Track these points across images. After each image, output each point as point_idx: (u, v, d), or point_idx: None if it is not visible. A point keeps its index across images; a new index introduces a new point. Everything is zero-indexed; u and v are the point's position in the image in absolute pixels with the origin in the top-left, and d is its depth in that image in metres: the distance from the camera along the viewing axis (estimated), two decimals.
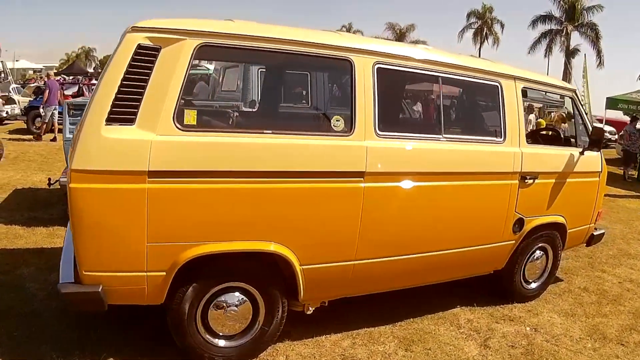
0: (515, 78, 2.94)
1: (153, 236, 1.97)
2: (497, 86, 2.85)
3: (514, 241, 3.05)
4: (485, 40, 33.62)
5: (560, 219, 3.26)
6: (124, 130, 1.91)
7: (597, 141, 3.24)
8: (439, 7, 77.06)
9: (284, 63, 2.93)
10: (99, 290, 1.95)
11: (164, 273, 2.03)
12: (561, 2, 26.17)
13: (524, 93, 3.05)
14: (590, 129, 3.34)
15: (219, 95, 6.90)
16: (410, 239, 2.58)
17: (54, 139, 9.44)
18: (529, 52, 27.56)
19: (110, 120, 1.90)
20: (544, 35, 26.94)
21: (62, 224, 4.05)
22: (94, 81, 15.05)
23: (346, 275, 2.43)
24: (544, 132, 4.24)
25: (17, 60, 24.02)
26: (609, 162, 11.23)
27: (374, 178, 2.37)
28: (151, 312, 2.29)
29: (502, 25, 33.72)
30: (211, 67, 10.51)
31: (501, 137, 2.86)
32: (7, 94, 12.15)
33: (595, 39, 25.70)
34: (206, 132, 2.08)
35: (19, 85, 14.19)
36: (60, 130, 8.12)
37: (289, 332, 2.58)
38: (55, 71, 17.59)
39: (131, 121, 1.92)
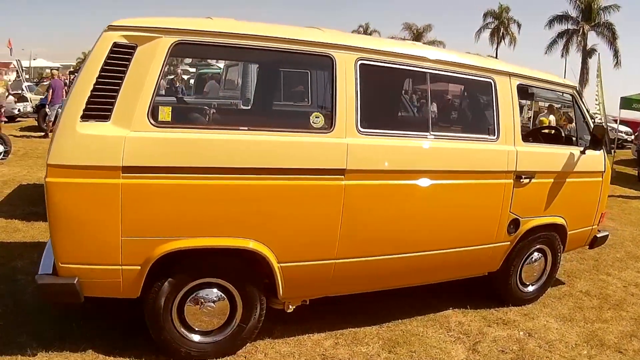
0: (510, 74, 2.82)
1: (127, 230, 1.99)
2: (491, 83, 2.74)
3: (509, 242, 2.94)
4: (502, 41, 33.57)
5: (559, 220, 3.13)
6: (99, 127, 1.94)
7: (598, 140, 3.10)
8: (456, 7, 76.17)
9: (263, 60, 2.90)
10: (75, 282, 1.98)
11: (139, 267, 2.05)
12: (577, 1, 25.88)
13: (525, 91, 2.94)
14: (592, 127, 3.20)
15: (221, 94, 6.92)
16: (395, 238, 2.51)
17: None
18: (546, 52, 27.50)
19: (85, 117, 1.93)
20: (560, 35, 26.84)
21: None
22: None
23: (327, 274, 2.38)
24: (546, 131, 4.09)
25: (34, 59, 24.64)
26: (625, 163, 11.06)
27: (356, 176, 2.31)
28: (134, 306, 2.29)
29: (519, 26, 33.62)
30: (222, 65, 10.58)
31: (494, 135, 2.75)
32: (19, 91, 12.44)
33: (611, 39, 25.40)
34: (180, 128, 2.09)
35: (31, 84, 14.52)
36: None
37: (272, 330, 2.56)
38: (72, 70, 17.96)
39: (106, 118, 1.95)
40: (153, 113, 2.00)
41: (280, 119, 2.90)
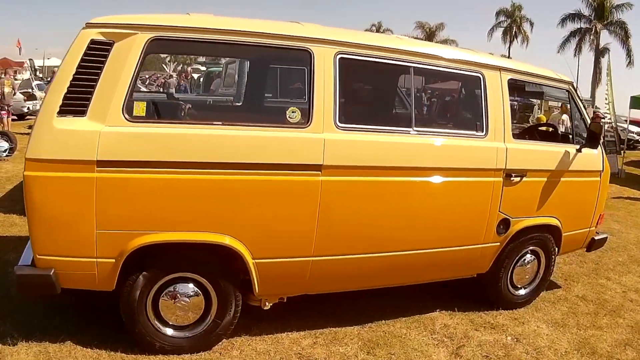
0: (500, 69, 2.72)
1: (101, 223, 2.02)
2: (479, 77, 2.65)
3: (498, 243, 2.84)
4: (515, 39, 33.41)
5: (553, 221, 3.01)
6: (75, 122, 1.98)
7: (594, 138, 2.97)
8: (469, 5, 75.26)
9: (242, 56, 2.86)
10: (50, 273, 2.02)
11: (113, 260, 2.06)
12: (589, 0, 25.53)
13: (518, 86, 2.84)
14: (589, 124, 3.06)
15: (220, 91, 6.90)
16: (376, 237, 2.44)
17: None
18: (559, 51, 27.48)
19: (62, 112, 1.97)
20: (573, 34, 26.74)
21: None
22: None
23: (304, 272, 2.35)
24: (544, 128, 3.95)
25: (48, 59, 25.09)
26: (635, 164, 10.70)
27: (333, 172, 2.27)
28: (116, 300, 2.29)
29: (532, 24, 33.42)
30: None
31: (483, 132, 2.66)
32: (29, 90, 12.65)
33: (624, 38, 25.18)
34: (154, 123, 2.13)
35: (41, 82, 14.77)
36: None
37: (250, 327, 2.54)
38: None
39: (82, 113, 1.98)
40: (128, 108, 2.02)
41: (256, 114, 2.88)
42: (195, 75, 13.36)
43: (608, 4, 25.22)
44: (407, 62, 2.46)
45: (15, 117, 9.75)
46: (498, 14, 33.27)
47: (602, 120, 9.70)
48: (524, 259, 3.07)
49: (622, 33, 25.15)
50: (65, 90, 1.96)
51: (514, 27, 32.96)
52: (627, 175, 9.26)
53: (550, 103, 13.75)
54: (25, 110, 11.89)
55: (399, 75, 2.48)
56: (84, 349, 2.26)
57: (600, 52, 25.64)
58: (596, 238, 3.37)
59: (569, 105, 3.19)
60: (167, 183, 2.06)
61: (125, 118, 2.01)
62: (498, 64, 2.75)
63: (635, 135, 13.32)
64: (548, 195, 2.93)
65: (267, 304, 2.41)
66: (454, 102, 3.03)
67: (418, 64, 2.49)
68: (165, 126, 2.13)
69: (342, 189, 2.30)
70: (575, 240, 3.26)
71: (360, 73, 2.65)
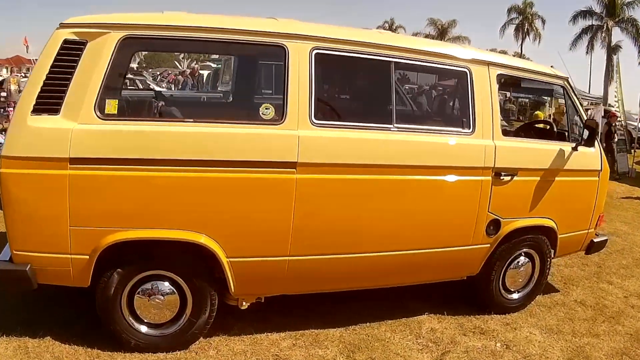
0: (488, 64, 2.62)
1: (75, 220, 2.03)
2: (466, 72, 2.55)
3: (488, 245, 2.73)
4: (527, 36, 33.14)
5: (548, 222, 2.88)
6: (49, 120, 2.00)
7: (591, 135, 2.83)
8: (481, 2, 74.44)
9: (216, 53, 2.83)
10: (27, 269, 2.05)
11: (87, 256, 2.08)
12: None
13: (510, 82, 2.72)
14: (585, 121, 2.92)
15: (218, 89, 6.88)
16: (355, 236, 2.37)
17: None
18: (570, 49, 27.39)
19: (36, 111, 2.00)
20: (584, 31, 26.59)
21: None
22: (129, 76, 15.57)
23: (280, 272, 2.30)
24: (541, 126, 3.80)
25: None
26: None
27: (308, 169, 2.21)
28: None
29: (543, 21, 33.42)
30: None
31: (469, 129, 2.55)
32: None
33: (636, 35, 24.80)
34: (126, 120, 2.14)
35: None
36: None
37: (231, 327, 2.52)
38: None
39: (56, 111, 2.01)
40: (100, 106, 2.04)
41: (230, 110, 2.85)
42: (206, 72, 13.40)
43: (619, 1, 24.97)
44: (388, 57, 2.39)
45: None
46: (509, 10, 33.29)
47: (618, 119, 9.39)
48: (518, 262, 2.95)
49: (634, 30, 24.87)
50: (39, 90, 1.99)
51: (526, 24, 32.82)
52: (637, 175, 8.96)
53: (560, 100, 13.42)
54: None
55: (379, 70, 2.40)
56: (62, 344, 2.27)
57: (612, 50, 25.38)
58: (595, 240, 3.22)
59: (569, 102, 3.05)
60: (139, 180, 2.07)
61: (97, 116, 2.03)
62: (486, 58, 2.64)
63: None
64: (542, 195, 2.80)
65: (244, 303, 2.38)
66: (438, 97, 2.92)
67: (399, 58, 2.42)
68: (137, 123, 2.13)
69: (318, 188, 2.24)
70: (573, 242, 3.12)
71: (338, 68, 2.60)
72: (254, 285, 2.33)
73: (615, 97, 9.48)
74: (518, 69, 2.81)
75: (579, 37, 26.46)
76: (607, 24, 25.36)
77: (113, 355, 2.23)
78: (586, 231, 3.13)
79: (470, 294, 2.98)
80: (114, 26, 2.06)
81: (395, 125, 2.39)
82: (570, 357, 2.57)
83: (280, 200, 2.19)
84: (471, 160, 2.53)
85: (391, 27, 35.48)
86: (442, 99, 2.93)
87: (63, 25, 2.05)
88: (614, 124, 8.71)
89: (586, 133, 2.90)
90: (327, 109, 2.28)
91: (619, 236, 4.87)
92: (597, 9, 25.99)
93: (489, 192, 2.61)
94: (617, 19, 25.30)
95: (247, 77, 3.28)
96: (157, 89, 13.91)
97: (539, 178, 2.77)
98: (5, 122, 9.17)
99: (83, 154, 2.00)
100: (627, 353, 2.65)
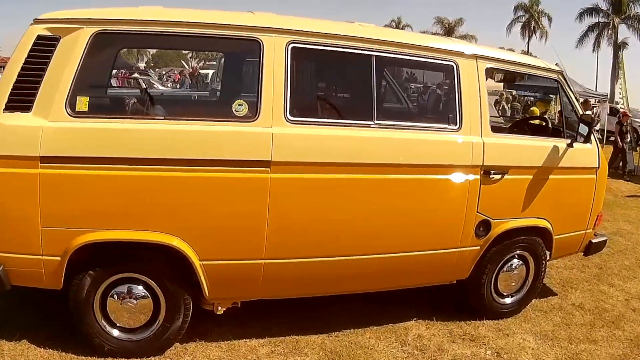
0: (477, 57, 2.49)
1: (46, 220, 1.99)
2: (452, 66, 2.43)
3: (478, 247, 2.60)
4: (534, 34, 33.10)
5: (542, 223, 2.74)
6: (20, 118, 1.96)
7: (586, 131, 2.68)
8: (488, 0, 73.91)
9: (193, 48, 2.74)
10: None
11: (59, 258, 2.03)
12: None
13: (501, 75, 2.59)
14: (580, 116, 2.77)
15: (213, 87, 6.80)
16: (335, 239, 2.26)
17: None
18: (577, 46, 27.69)
19: (8, 108, 1.97)
20: (591, 28, 26.73)
21: None
22: (135, 75, 15.69)
23: (256, 276, 2.21)
24: (536, 122, 3.65)
25: None
26: None
27: (283, 168, 2.11)
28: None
29: (550, 19, 33.54)
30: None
31: (456, 125, 2.42)
32: None
33: None
34: (96, 118, 2.08)
35: None
36: None
37: (208, 332, 2.43)
38: None
39: (28, 109, 1.97)
40: (71, 103, 1.99)
41: (210, 108, 2.77)
42: (211, 72, 13.34)
43: None
44: (368, 50, 2.28)
45: None
46: (516, 8, 33.49)
47: (631, 118, 9.13)
48: (511, 264, 2.81)
49: None
50: (12, 87, 1.95)
51: (532, 22, 32.86)
52: None
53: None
54: None
55: (359, 65, 2.30)
56: (38, 348, 2.23)
57: (618, 47, 25.50)
58: (594, 241, 3.07)
59: (565, 97, 2.90)
60: (109, 180, 2.01)
61: (68, 113, 1.98)
62: (474, 51, 2.51)
63: None
64: (535, 195, 2.67)
65: (219, 308, 2.30)
66: (423, 93, 2.79)
67: (381, 52, 2.30)
68: (108, 121, 2.07)
69: (294, 188, 2.14)
70: (569, 243, 2.98)
71: (316, 63, 2.50)
72: (229, 290, 2.24)
73: (620, 93, 9.27)
74: (508, 62, 2.68)
75: (585, 34, 26.64)
76: (614, 21, 25.47)
77: None
78: (584, 231, 2.99)
79: (461, 299, 2.85)
80: (87, 21, 2.02)
81: (376, 121, 2.27)
82: None
83: (254, 201, 2.10)
84: (458, 158, 2.41)
85: (398, 26, 35.55)
86: (428, 95, 2.80)
87: (37, 21, 2.01)
88: (625, 124, 8.48)
89: (584, 129, 2.75)
90: (303, 105, 2.19)
91: (622, 236, 4.70)
92: (604, 6, 26.27)
93: (478, 192, 2.48)
94: (623, 16, 25.35)
95: (232, 74, 3.20)
96: (162, 88, 13.97)
97: (531, 176, 2.64)
98: None
99: (53, 152, 1.95)
100: None
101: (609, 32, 25.98)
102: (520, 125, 3.30)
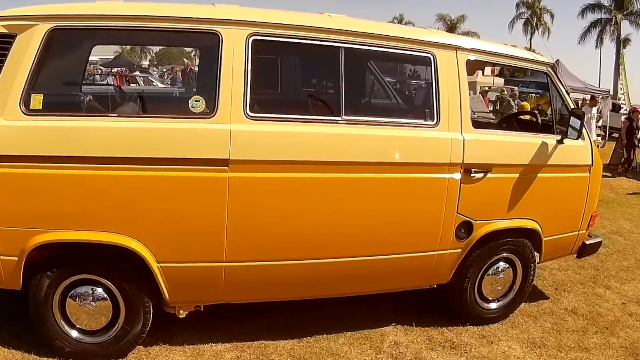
0: (456, 48, 2.33)
1: (1, 220, 1.96)
2: (429, 58, 2.27)
3: (459, 250, 2.45)
4: (536, 31, 32.79)
5: (530, 224, 2.58)
6: None
7: (577, 127, 2.50)
8: None
9: (148, 42, 2.63)
10: None
11: (16, 258, 2.00)
12: None
13: (503, 71, 2.43)
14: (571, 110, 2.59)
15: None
16: (301, 241, 2.15)
17: None
18: (579, 43, 27.56)
19: None
20: (593, 24, 26.42)
21: None
22: (136, 73, 15.77)
23: (216, 278, 2.12)
24: (526, 117, 3.46)
25: None
26: None
27: (243, 167, 2.01)
28: None
29: (552, 15, 33.31)
30: None
31: (433, 120, 2.27)
32: None
33: None
34: (50, 116, 2.01)
35: None
36: None
37: (173, 336, 2.36)
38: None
39: None
40: (25, 101, 1.95)
41: (173, 104, 2.66)
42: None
43: None
44: (337, 42, 2.14)
45: None
46: (518, 5, 33.32)
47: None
48: (496, 268, 2.66)
49: None
50: None
51: (535, 19, 32.65)
52: None
53: (572, 95, 12.89)
54: None
55: (326, 57, 2.17)
56: (1, 348, 2.18)
57: (621, 43, 25.16)
58: (588, 242, 2.89)
59: (554, 90, 2.72)
60: (63, 179, 1.96)
61: (22, 111, 1.93)
62: (453, 42, 2.35)
63: None
64: (522, 194, 2.50)
65: (181, 311, 2.22)
66: (397, 86, 2.63)
67: (350, 44, 2.17)
68: (61, 119, 2.00)
69: (254, 187, 2.03)
70: (561, 245, 2.81)
71: (279, 56, 2.37)
72: (190, 293, 2.17)
73: (621, 88, 8.96)
74: (492, 54, 2.51)
75: (587, 30, 26.38)
76: (616, 17, 25.14)
77: None
78: (576, 233, 2.81)
79: (444, 303, 2.71)
80: (42, 18, 1.96)
81: (345, 117, 2.14)
82: None
83: (212, 201, 2.00)
84: (435, 156, 2.26)
85: (400, 23, 35.24)
86: (400, 87, 2.65)
87: None
88: (635, 120, 8.17)
89: (576, 124, 2.57)
90: (264, 100, 2.09)
91: (622, 235, 4.48)
92: (606, 2, 25.99)
93: (458, 192, 2.33)
94: (625, 12, 25.03)
95: (200, 69, 3.11)
96: (161, 86, 13.96)
97: (518, 175, 2.48)
98: None
99: (7, 151, 1.91)
100: None
101: (612, 28, 25.72)
102: (509, 120, 3.12)
